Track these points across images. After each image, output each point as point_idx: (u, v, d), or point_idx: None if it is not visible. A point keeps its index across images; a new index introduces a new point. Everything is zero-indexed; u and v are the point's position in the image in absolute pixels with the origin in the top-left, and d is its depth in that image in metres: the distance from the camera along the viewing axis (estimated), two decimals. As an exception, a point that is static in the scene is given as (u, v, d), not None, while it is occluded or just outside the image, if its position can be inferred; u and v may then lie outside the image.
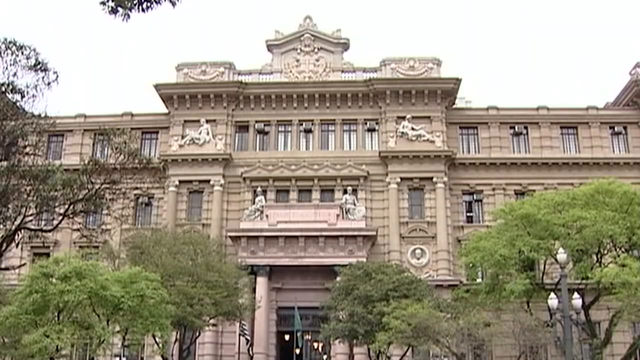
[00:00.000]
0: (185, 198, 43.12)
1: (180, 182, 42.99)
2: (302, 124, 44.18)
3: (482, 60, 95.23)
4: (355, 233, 39.07)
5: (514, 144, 43.98)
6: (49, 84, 21.22)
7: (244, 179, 42.91)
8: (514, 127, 44.10)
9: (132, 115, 45.35)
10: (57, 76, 21.36)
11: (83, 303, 21.49)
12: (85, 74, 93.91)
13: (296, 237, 39.22)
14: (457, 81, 42.94)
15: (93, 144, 44.35)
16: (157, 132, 45.31)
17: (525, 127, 44.04)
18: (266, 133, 44.43)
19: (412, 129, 42.75)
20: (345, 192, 41.53)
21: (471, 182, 43.03)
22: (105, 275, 22.25)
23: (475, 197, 43.20)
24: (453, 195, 42.62)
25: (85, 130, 44.75)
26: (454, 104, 44.67)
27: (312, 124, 44.11)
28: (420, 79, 43.26)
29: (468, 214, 43.05)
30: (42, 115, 22.63)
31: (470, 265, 35.16)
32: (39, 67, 21.10)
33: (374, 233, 39.91)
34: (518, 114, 44.44)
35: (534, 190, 39.82)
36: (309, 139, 44.20)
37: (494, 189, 42.78)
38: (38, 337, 20.04)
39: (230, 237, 40.37)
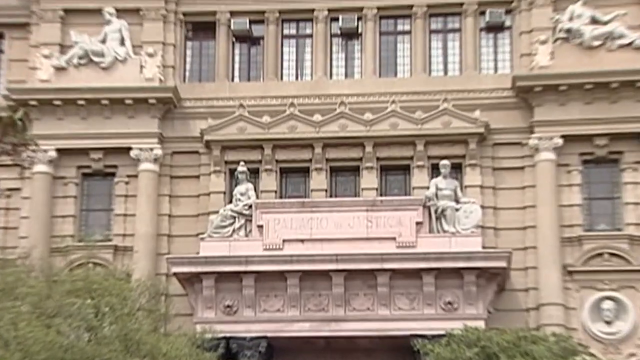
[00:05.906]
0: (72, 191, 37.82)
1: (59, 152, 37.22)
2: (336, 20, 39.00)
3: None
4: (461, 265, 34.11)
5: None
6: None
7: (207, 144, 37.28)
8: None
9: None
10: None
11: None
12: None
13: (326, 273, 33.80)
14: None
15: None
16: (2, 37, 41.41)
17: None
18: (255, 41, 39.33)
19: (593, 20, 36.81)
20: (434, 171, 36.21)
21: None
22: None
23: None
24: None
25: None
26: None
27: (360, 20, 38.80)
28: None
29: None
30: None
31: None
32: None
33: (503, 264, 34.53)
34: None
35: None
36: (351, 53, 39.22)
37: None
38: None
39: (177, 276, 35.15)
